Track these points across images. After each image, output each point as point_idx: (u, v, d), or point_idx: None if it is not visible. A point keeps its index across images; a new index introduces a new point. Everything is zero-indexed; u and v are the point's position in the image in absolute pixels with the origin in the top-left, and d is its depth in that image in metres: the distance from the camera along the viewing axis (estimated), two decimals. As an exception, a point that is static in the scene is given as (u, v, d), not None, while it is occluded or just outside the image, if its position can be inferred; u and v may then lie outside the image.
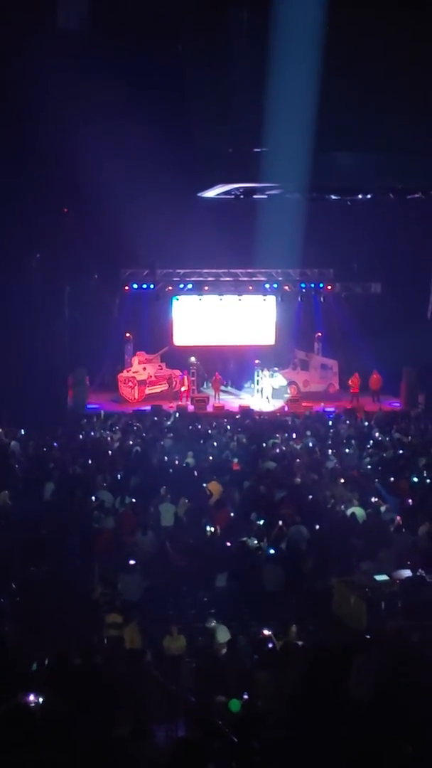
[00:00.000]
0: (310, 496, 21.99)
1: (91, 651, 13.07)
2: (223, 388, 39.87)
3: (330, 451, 26.70)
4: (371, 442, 28.56)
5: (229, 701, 11.45)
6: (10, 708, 9.72)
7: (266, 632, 13.81)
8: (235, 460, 25.37)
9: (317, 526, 19.49)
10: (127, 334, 40.64)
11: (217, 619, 14.98)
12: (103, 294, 39.36)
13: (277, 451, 26.76)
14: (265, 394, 39.12)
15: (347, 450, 27.04)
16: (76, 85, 25.49)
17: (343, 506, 21.03)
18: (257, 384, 39.87)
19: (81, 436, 29.46)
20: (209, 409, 37.07)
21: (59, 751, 8.86)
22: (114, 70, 25.58)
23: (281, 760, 9.70)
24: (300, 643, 13.80)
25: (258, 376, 39.67)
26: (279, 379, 39.86)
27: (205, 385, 40.54)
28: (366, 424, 32.23)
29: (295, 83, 20.94)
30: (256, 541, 18.36)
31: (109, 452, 26.58)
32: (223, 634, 14.32)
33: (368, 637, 13.91)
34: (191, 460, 25.13)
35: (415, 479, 23.61)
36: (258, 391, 39.70)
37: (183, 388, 39.63)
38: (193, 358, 40.20)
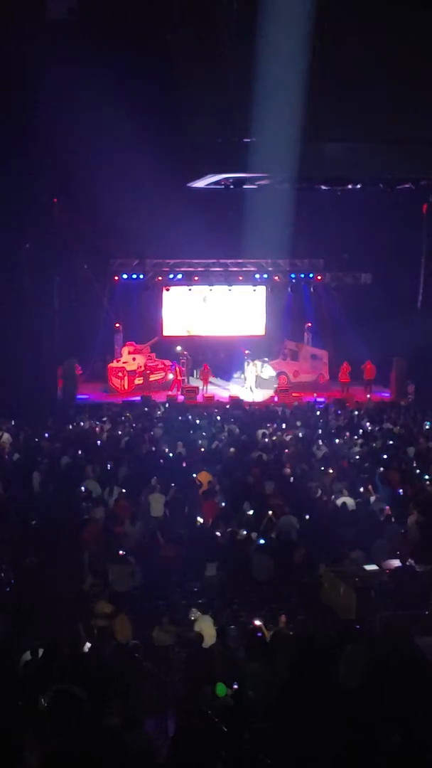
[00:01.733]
0: (300, 486, 22.03)
1: (81, 641, 13.08)
2: (211, 379, 39.84)
3: (320, 441, 26.74)
4: (361, 432, 28.62)
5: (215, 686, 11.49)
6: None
7: (257, 622, 13.84)
8: (232, 449, 25.42)
9: (307, 516, 19.55)
10: (117, 325, 40.60)
11: (204, 610, 14.98)
12: (93, 284, 39.32)
13: (267, 441, 26.80)
14: (248, 383, 39.10)
15: (337, 440, 27.09)
16: (65, 76, 25.41)
17: (333, 496, 21.08)
18: (245, 374, 39.90)
19: (71, 427, 29.45)
20: (199, 399, 37.09)
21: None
22: (103, 61, 25.47)
23: (271, 749, 9.73)
24: (290, 632, 13.85)
25: (247, 366, 39.66)
26: (268, 370, 39.89)
27: (194, 375, 40.51)
28: (356, 414, 32.29)
29: (284, 73, 20.89)
30: (245, 531, 18.40)
31: (99, 442, 26.63)
32: (204, 625, 14.30)
33: (358, 626, 13.95)
34: (182, 450, 25.18)
35: (405, 469, 23.69)
36: (245, 381, 39.72)
37: (170, 375, 39.67)
38: (179, 347, 40.24)
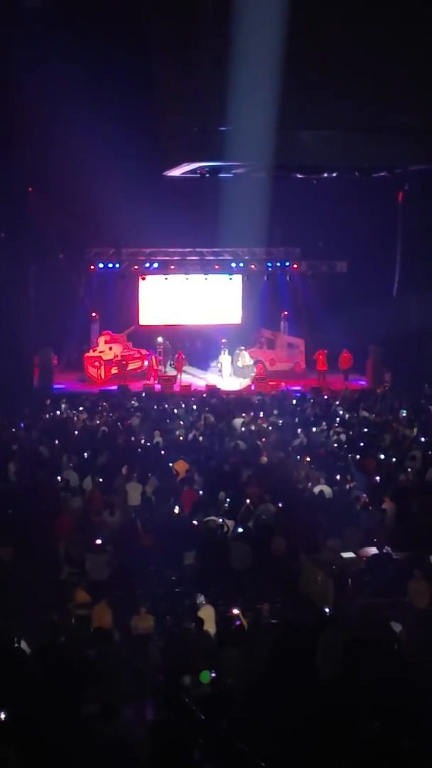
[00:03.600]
0: (277, 475, 22.04)
1: (58, 630, 13.06)
2: (185, 368, 39.74)
3: (297, 429, 26.76)
4: (338, 420, 28.65)
5: (199, 673, 11.49)
6: None
7: (235, 611, 13.85)
8: (205, 438, 25.43)
9: (283, 505, 19.56)
10: (93, 314, 40.49)
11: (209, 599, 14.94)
12: (69, 274, 39.18)
13: (244, 429, 26.80)
14: (223, 372, 39.10)
15: (314, 428, 27.11)
16: (40, 64, 25.29)
17: (309, 484, 21.11)
18: (221, 363, 39.87)
19: (47, 416, 29.35)
20: (176, 388, 37.04)
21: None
22: (78, 48, 25.41)
23: (249, 737, 9.76)
24: (268, 621, 13.87)
25: (223, 355, 39.62)
26: (246, 358, 39.86)
27: (171, 364, 40.44)
28: (336, 402, 32.30)
29: (259, 61, 20.84)
30: (221, 520, 18.40)
31: (75, 432, 26.56)
32: (205, 613, 14.28)
33: (335, 614, 14.00)
34: (159, 439, 25.16)
35: (382, 456, 23.75)
36: (221, 370, 39.69)
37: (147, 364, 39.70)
38: (160, 338, 40.19)
